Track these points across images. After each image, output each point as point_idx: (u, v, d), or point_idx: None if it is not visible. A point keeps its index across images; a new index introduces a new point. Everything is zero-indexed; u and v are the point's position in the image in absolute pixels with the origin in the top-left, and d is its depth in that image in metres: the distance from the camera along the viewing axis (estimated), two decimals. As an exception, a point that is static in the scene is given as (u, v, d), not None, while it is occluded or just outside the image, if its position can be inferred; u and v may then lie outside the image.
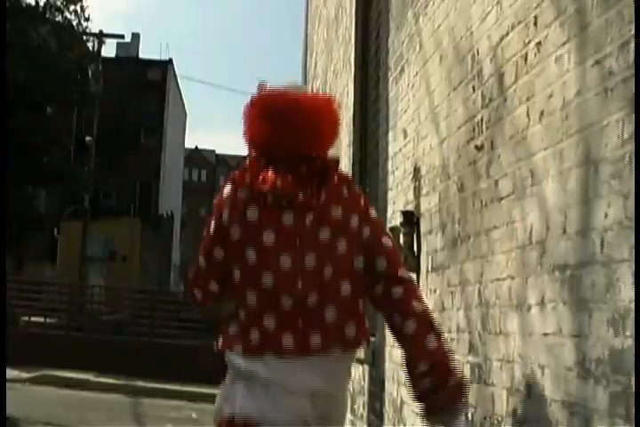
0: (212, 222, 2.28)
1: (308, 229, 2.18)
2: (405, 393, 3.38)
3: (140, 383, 12.39)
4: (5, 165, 15.69)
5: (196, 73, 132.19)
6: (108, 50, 57.18)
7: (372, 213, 2.33)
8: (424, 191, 3.26)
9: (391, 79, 4.06)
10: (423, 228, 3.25)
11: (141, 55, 51.00)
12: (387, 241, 2.28)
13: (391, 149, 3.95)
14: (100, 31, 29.53)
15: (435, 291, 3.04)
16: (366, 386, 4.28)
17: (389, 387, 3.70)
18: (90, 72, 29.30)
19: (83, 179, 28.41)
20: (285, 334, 2.14)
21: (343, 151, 5.56)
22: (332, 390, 2.20)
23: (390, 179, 3.94)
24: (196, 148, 71.39)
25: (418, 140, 3.40)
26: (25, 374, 11.62)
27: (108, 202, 42.23)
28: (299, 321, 2.15)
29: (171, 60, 51.31)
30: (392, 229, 3.55)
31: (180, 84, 55.19)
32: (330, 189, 2.22)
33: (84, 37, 29.25)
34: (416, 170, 3.41)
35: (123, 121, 40.98)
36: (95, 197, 33.30)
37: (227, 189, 2.25)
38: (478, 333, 2.51)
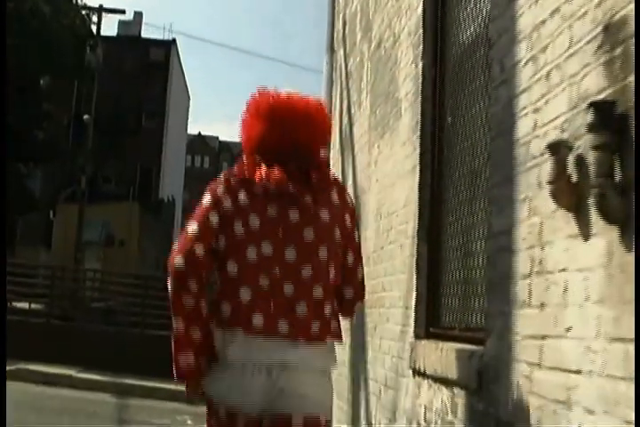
0: (207, 196, 2.44)
1: (292, 224, 2.34)
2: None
3: (129, 381, 10.95)
4: (5, 161, 14.70)
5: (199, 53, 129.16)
6: (110, 30, 55.85)
7: (355, 234, 2.50)
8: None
9: None
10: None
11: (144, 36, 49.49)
12: (360, 271, 2.50)
13: (524, 24, 2.28)
14: (100, 5, 28.12)
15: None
16: (460, 426, 2.63)
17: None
18: (88, 48, 27.99)
19: (80, 158, 27.24)
20: (256, 313, 2.27)
21: (403, 74, 3.91)
22: (294, 363, 2.27)
23: (526, 72, 2.26)
24: (199, 134, 70.14)
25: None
26: (-3, 369, 10.10)
27: (107, 186, 41.11)
28: (271, 304, 2.29)
29: (174, 40, 49.83)
30: (552, 147, 1.88)
31: (183, 67, 53.75)
32: (317, 190, 2.38)
33: (84, 12, 27.78)
34: (611, 27, 1.74)
35: (123, 102, 39.55)
36: (93, 179, 32.22)
37: (220, 178, 2.48)
38: None
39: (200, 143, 69.74)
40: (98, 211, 31.16)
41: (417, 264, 3.44)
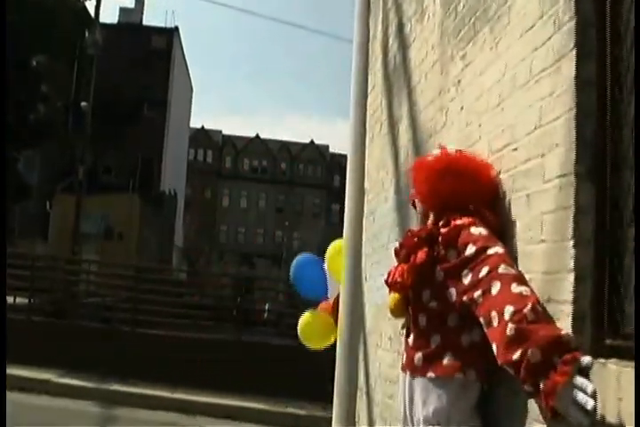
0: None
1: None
2: None
3: (116, 387, 9.53)
4: (5, 160, 13.60)
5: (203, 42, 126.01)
6: (111, 18, 54.95)
7: None
8: None
9: None
10: None
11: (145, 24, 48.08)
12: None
13: None
14: (98, -13, 26.72)
15: None
16: None
17: None
18: (87, 32, 26.68)
19: (78, 146, 26.02)
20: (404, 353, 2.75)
21: None
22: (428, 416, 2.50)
23: None
24: (203, 127, 68.62)
25: None
26: (-37, 373, 8.60)
27: (107, 177, 39.95)
28: (408, 341, 2.67)
29: (177, 28, 48.49)
30: None
31: (186, 56, 52.40)
32: None
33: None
34: None
35: (124, 90, 38.13)
36: (92, 170, 31.03)
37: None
38: None
39: (203, 137, 68.34)
40: (97, 202, 30.25)
41: (575, 223, 1.91)
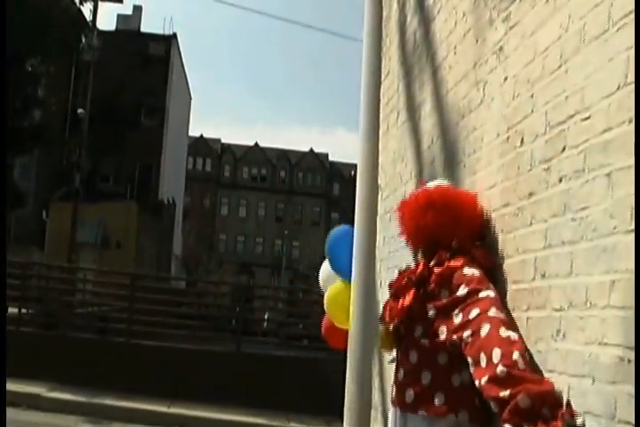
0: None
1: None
2: None
3: (109, 402, 9.08)
4: (4, 164, 13.36)
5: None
6: (109, 24, 55.01)
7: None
8: None
9: None
10: None
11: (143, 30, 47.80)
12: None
13: None
14: (96, -7, 26.39)
15: None
16: None
17: None
18: (83, 37, 26.37)
19: (75, 153, 25.67)
20: (393, 386, 2.70)
21: None
22: None
23: None
24: (201, 136, 68.35)
25: None
26: (-52, 387, 8.17)
27: (104, 184, 39.59)
28: (398, 376, 2.66)
29: (175, 35, 48.22)
30: None
31: (184, 65, 52.15)
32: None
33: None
34: None
35: (122, 97, 37.80)
36: (89, 177, 30.67)
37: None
38: None
39: (202, 145, 68.05)
40: (94, 210, 29.84)
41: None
